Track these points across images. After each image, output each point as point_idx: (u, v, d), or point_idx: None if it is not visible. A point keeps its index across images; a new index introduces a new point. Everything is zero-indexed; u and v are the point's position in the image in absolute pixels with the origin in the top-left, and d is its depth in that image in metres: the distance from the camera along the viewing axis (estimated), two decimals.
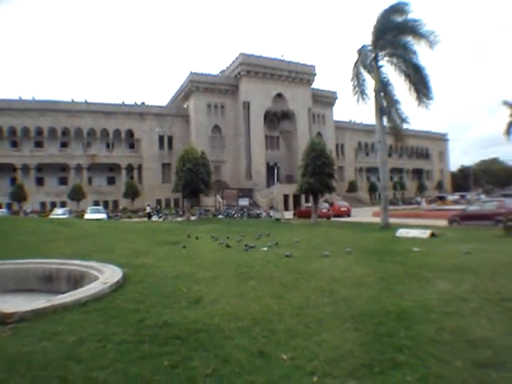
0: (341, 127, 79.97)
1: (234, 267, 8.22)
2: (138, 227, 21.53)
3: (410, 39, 20.13)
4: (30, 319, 4.38)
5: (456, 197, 56.65)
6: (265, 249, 11.28)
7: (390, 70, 21.02)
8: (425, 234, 14.67)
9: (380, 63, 20.96)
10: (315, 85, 72.95)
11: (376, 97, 20.99)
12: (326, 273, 7.55)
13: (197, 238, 14.63)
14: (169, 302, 5.35)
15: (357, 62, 21.33)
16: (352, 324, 4.47)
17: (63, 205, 52.18)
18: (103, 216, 33.30)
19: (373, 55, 20.85)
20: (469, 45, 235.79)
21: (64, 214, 34.82)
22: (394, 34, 20.36)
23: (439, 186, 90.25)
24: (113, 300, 5.38)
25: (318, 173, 25.37)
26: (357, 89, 21.31)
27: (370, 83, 21.33)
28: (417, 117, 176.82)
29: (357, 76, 21.23)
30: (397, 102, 20.86)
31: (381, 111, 21.06)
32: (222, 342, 3.89)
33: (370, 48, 21.07)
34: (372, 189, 75.58)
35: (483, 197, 53.18)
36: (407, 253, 10.42)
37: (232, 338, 4.00)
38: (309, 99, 70.51)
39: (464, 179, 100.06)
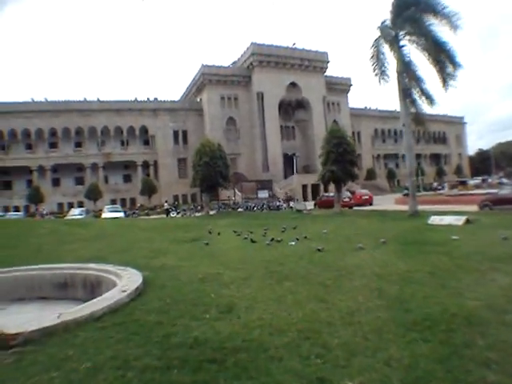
0: (356, 114, 78.66)
1: (264, 265, 7.51)
2: (156, 224, 21.02)
3: (431, 17, 19.00)
4: (37, 340, 3.69)
5: (477, 181, 55.15)
6: (293, 243, 10.57)
7: (413, 49, 19.95)
8: (459, 220, 13.89)
9: (401, 43, 19.86)
10: (329, 72, 71.68)
11: (399, 78, 19.88)
12: (367, 268, 6.88)
13: (219, 234, 14.00)
14: (197, 312, 4.63)
15: (377, 39, 20.15)
16: (418, 333, 3.74)
17: (80, 205, 52.24)
18: (120, 214, 33.18)
19: (393, 33, 19.77)
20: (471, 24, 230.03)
21: (81, 214, 34.49)
22: (414, 11, 19.21)
23: (458, 171, 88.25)
24: (132, 311, 4.69)
25: (340, 160, 24.46)
26: (377, 69, 20.21)
27: (391, 62, 20.27)
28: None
29: (377, 55, 20.10)
30: (421, 82, 19.70)
31: (404, 93, 20.02)
32: (269, 364, 3.14)
33: (389, 25, 20.00)
34: (390, 176, 74.62)
35: (505, 180, 51.87)
36: (447, 242, 9.75)
37: (279, 358, 3.25)
38: (323, 87, 69.27)
39: (482, 163, 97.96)
